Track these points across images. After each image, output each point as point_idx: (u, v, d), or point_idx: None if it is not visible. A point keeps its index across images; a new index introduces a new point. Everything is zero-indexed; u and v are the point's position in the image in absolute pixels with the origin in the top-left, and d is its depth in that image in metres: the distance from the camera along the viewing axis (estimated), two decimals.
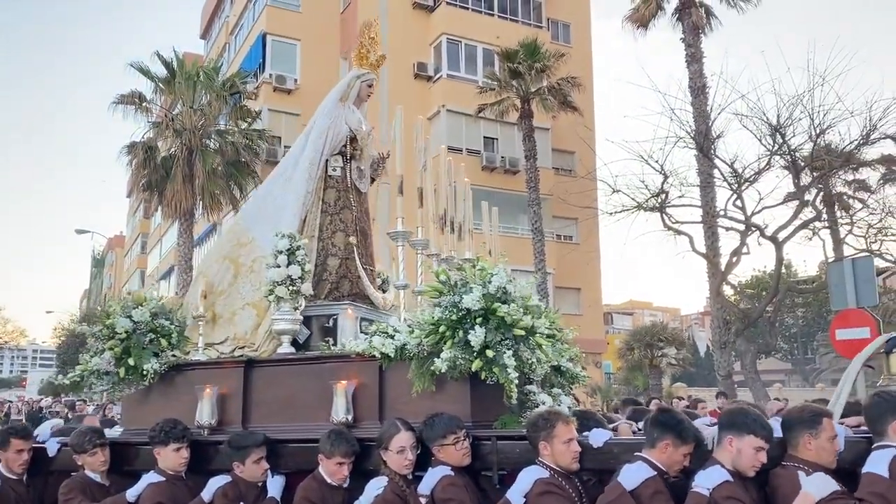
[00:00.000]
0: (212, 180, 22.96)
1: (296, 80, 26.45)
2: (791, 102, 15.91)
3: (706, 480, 3.21)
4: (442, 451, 3.72)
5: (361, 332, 4.78)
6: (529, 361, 3.94)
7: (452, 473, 3.65)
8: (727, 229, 17.95)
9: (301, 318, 4.75)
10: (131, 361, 4.54)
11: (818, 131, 16.00)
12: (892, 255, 22.80)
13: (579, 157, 25.06)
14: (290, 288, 4.60)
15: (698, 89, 19.59)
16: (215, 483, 4.02)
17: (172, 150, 23.55)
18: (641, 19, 22.22)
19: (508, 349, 3.82)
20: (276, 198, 5.32)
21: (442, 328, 3.89)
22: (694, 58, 20.42)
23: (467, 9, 27.36)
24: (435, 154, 5.47)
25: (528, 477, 3.48)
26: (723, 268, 17.99)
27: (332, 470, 3.84)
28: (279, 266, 4.59)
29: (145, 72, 23.63)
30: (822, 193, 18.59)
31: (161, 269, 41.58)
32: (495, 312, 3.83)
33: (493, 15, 27.90)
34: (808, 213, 17.39)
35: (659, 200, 17.70)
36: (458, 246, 5.47)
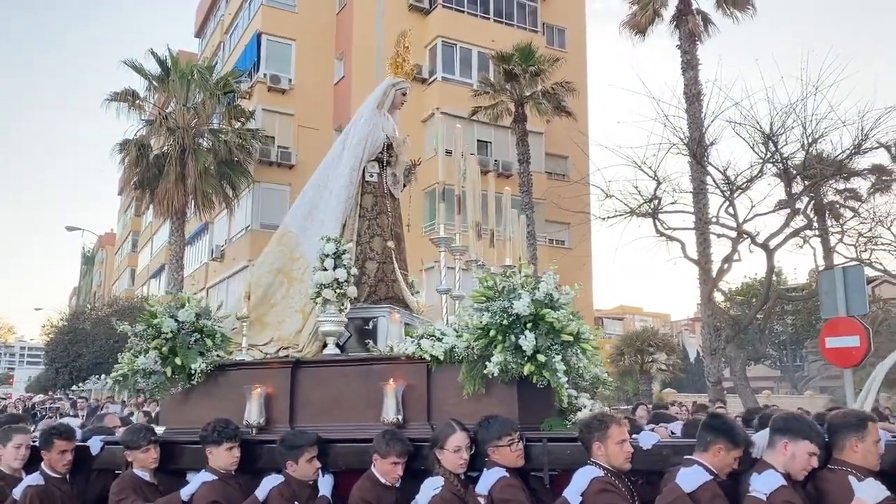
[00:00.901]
0: (204, 179, 22.89)
1: (290, 81, 26.40)
2: (784, 111, 15.99)
3: (763, 485, 3.28)
4: (497, 453, 3.78)
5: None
6: (577, 366, 4.10)
7: (508, 474, 3.72)
8: (719, 236, 18.03)
9: (346, 320, 4.87)
10: (178, 361, 4.57)
11: (810, 140, 16.08)
12: (881, 264, 22.92)
13: (573, 161, 25.12)
14: (338, 290, 4.70)
15: (693, 96, 19.68)
16: (270, 482, 4.04)
17: (165, 148, 23.48)
18: (639, 26, 22.30)
19: (557, 354, 3.96)
20: (317, 205, 5.48)
21: (492, 332, 4.01)
22: (689, 65, 20.52)
23: (463, 12, 27.37)
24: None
25: (584, 476, 3.55)
26: (714, 274, 18.05)
27: (387, 469, 3.89)
28: (326, 269, 4.69)
29: (139, 69, 23.55)
30: (813, 202, 18.68)
31: (152, 267, 41.43)
32: (544, 318, 3.97)
33: (488, 18, 27.93)
34: (799, 221, 17.48)
35: (652, 206, 17.74)
36: (487, 252, 5.62)
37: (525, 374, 3.93)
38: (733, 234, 17.15)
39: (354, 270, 4.87)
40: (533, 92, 23.94)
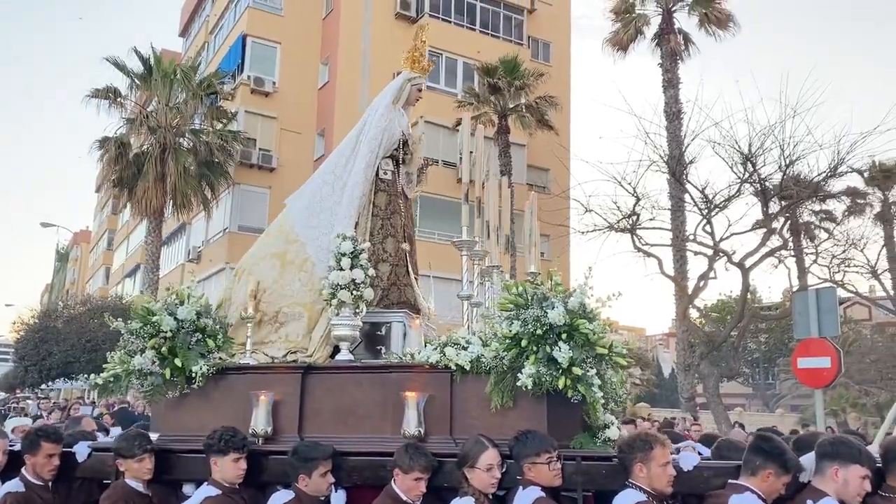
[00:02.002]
0: (184, 179, 22.72)
1: (274, 84, 26.31)
2: (763, 132, 16.22)
3: None
4: (532, 470, 3.55)
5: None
6: (610, 381, 3.94)
7: (544, 494, 3.50)
8: (696, 253, 18.20)
9: (361, 324, 4.55)
10: (178, 362, 4.24)
11: (788, 162, 16.31)
12: (853, 286, 23.27)
13: (554, 175, 25.25)
14: (354, 293, 4.40)
15: (673, 114, 19.91)
16: (279, 499, 3.73)
17: (145, 147, 23.30)
18: (621, 43, 22.53)
19: (591, 367, 3.77)
20: (324, 198, 5.08)
21: (524, 342, 3.80)
22: (670, 83, 20.77)
23: (450, 22, 27.49)
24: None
25: (626, 500, 3.42)
26: (690, 291, 18.22)
27: (409, 486, 3.59)
28: (342, 269, 4.39)
29: (121, 67, 23.38)
30: (789, 222, 18.93)
31: (127, 266, 40.98)
32: (578, 329, 3.76)
33: (474, 30, 28.08)
34: (775, 241, 17.70)
35: (630, 222, 17.88)
36: (502, 259, 5.42)
37: (560, 387, 3.71)
38: (710, 251, 17.32)
39: (372, 272, 4.56)
40: (517, 105, 24.10)
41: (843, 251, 20.88)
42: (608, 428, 4.20)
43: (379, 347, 4.71)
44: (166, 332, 4.28)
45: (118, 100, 23.57)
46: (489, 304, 5.00)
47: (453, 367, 3.98)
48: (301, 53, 26.86)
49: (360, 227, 5.10)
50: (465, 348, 4.01)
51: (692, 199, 17.89)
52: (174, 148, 22.75)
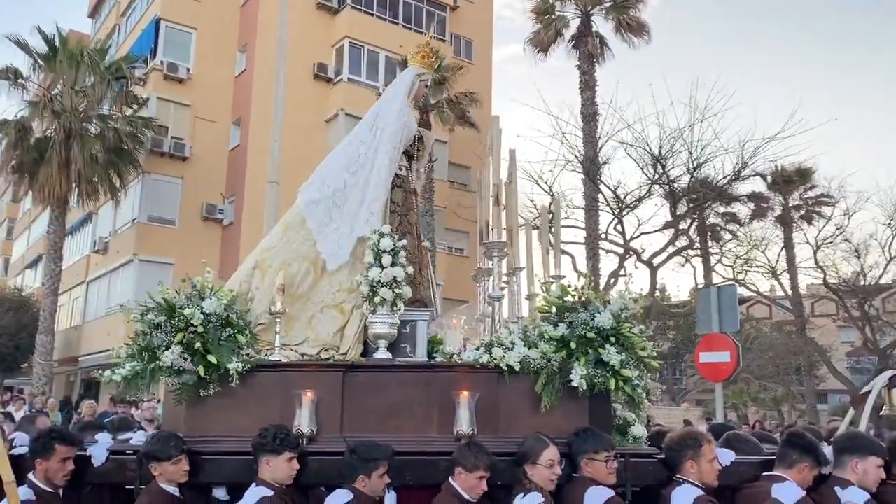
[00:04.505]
0: (90, 167, 21.75)
1: (189, 70, 25.47)
2: (672, 135, 16.82)
3: (855, 497, 3.57)
4: (590, 466, 3.73)
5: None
6: (644, 382, 4.12)
7: (613, 493, 3.66)
8: (607, 252, 18.73)
9: (399, 322, 4.49)
10: (212, 359, 3.96)
11: (695, 164, 16.98)
12: (755, 285, 24.37)
13: (474, 172, 25.43)
14: (396, 290, 4.36)
15: (589, 116, 20.38)
16: (339, 498, 3.62)
17: (49, 131, 22.18)
18: (541, 44, 22.90)
19: (635, 369, 4.00)
20: (347, 195, 4.91)
21: (573, 344, 3.98)
22: (587, 85, 21.24)
23: (372, 15, 27.26)
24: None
25: (686, 496, 3.62)
26: (601, 289, 18.70)
27: (472, 484, 3.62)
28: (382, 266, 4.35)
29: (23, 46, 22.18)
30: (696, 223, 19.68)
31: (28, 257, 38.90)
32: (622, 333, 4.00)
33: (397, 24, 27.94)
34: (683, 241, 18.37)
35: (548, 221, 18.20)
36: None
37: (611, 388, 3.94)
38: (621, 250, 17.84)
39: (410, 269, 4.50)
40: (437, 100, 24.12)
41: (746, 252, 21.90)
42: (633, 426, 4.44)
43: (404, 345, 4.65)
44: (196, 326, 4.00)
45: (19, 81, 22.33)
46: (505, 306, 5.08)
47: (504, 368, 4.07)
48: (218, 40, 26.09)
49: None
50: (509, 349, 4.11)
51: (605, 198, 18.39)
52: (80, 133, 21.72)
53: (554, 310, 4.17)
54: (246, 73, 25.92)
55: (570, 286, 4.34)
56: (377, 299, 4.36)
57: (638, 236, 17.88)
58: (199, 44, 25.96)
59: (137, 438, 4.32)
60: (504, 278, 5.07)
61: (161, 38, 25.52)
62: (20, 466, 3.79)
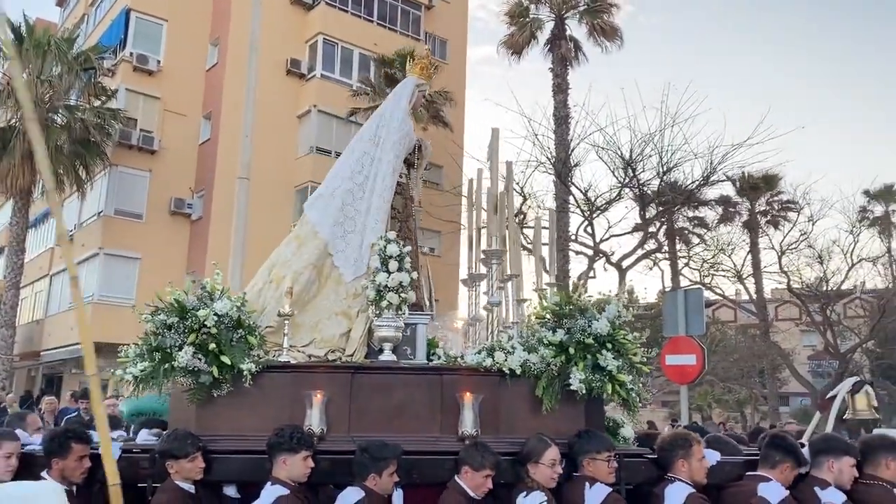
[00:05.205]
0: (56, 158, 21.29)
1: (159, 62, 25.09)
2: (643, 139, 17.00)
3: (834, 497, 3.78)
4: (591, 465, 3.89)
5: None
6: (637, 386, 4.31)
7: (611, 489, 3.80)
8: (577, 253, 18.85)
9: (403, 325, 4.64)
10: (226, 359, 3.99)
11: (665, 169, 17.17)
12: (721, 289, 24.70)
13: (446, 171, 25.45)
14: (402, 295, 4.52)
15: (562, 118, 20.53)
16: (351, 496, 3.70)
17: (13, 121, 21.69)
18: (516, 46, 23.01)
19: (629, 374, 4.21)
20: (354, 203, 5.09)
21: (571, 350, 4.16)
22: (560, 88, 21.38)
23: (346, 11, 27.13)
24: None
25: (679, 493, 3.81)
26: (571, 290, 18.88)
27: (479, 483, 3.74)
28: (389, 272, 4.51)
29: None
30: (665, 227, 19.92)
31: None
32: (617, 339, 4.20)
33: (371, 21, 27.84)
34: (651, 244, 18.59)
35: (517, 221, 18.30)
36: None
37: (608, 392, 4.14)
38: (590, 252, 17.98)
39: (414, 274, 4.69)
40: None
41: (713, 256, 22.22)
42: (623, 427, 4.71)
43: (404, 348, 4.78)
44: (210, 327, 4.03)
45: None
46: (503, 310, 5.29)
47: (507, 371, 4.24)
48: (189, 32, 25.74)
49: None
50: (510, 353, 4.30)
51: (576, 200, 18.52)
52: (45, 124, 21.28)
53: (549, 315, 4.36)
54: (217, 66, 25.63)
55: (573, 294, 4.56)
56: (384, 303, 4.51)
57: (608, 238, 18.08)
58: (169, 36, 25.59)
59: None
60: (499, 284, 5.29)
61: (131, 29, 25.10)
62: (31, 464, 3.89)
